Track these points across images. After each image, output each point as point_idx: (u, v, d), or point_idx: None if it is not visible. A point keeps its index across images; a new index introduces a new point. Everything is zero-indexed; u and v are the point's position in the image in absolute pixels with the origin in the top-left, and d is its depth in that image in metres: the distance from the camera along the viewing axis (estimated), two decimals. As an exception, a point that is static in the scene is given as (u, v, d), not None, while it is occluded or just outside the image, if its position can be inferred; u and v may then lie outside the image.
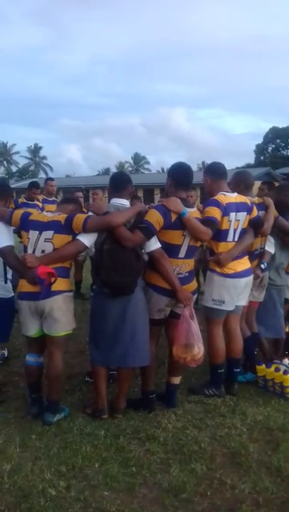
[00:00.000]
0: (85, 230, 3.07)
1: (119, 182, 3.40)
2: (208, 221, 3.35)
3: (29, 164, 70.86)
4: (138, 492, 2.51)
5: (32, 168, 70.15)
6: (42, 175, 66.41)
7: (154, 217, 3.15)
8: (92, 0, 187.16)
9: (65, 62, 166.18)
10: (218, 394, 3.63)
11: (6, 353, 4.41)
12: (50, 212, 3.29)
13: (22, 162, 70.63)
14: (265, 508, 2.40)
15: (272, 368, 3.70)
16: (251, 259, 3.86)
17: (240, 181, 3.92)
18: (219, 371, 3.66)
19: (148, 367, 3.37)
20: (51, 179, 7.94)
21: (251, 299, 3.97)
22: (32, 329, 3.21)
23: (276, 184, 6.05)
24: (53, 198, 7.30)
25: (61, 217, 3.16)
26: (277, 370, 3.67)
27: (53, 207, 6.59)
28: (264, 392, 3.74)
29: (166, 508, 2.40)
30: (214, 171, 3.69)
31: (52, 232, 3.10)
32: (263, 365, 3.77)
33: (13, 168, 69.88)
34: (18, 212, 3.29)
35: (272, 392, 3.71)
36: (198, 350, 3.23)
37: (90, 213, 3.20)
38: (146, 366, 3.36)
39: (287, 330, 4.34)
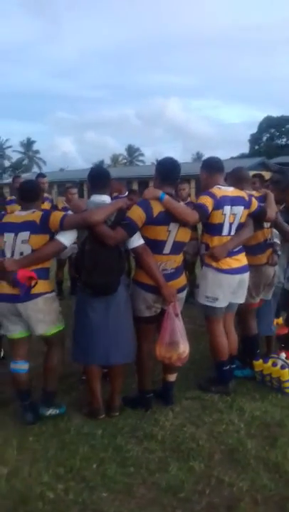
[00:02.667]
0: (62, 228, 3.02)
1: (97, 178, 3.30)
2: (197, 206, 3.34)
3: (22, 159, 70.33)
4: (136, 492, 2.51)
5: (25, 162, 69.67)
6: (35, 169, 66.06)
7: (136, 213, 3.11)
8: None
9: (57, 54, 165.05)
10: (226, 391, 3.60)
11: (2, 353, 4.38)
12: (24, 211, 3.17)
13: (15, 157, 70.16)
14: (264, 505, 2.40)
15: (270, 363, 3.69)
16: (264, 249, 3.85)
17: (234, 176, 3.89)
18: (224, 368, 3.64)
19: (143, 366, 3.37)
20: (42, 175, 7.79)
21: (262, 297, 3.96)
22: (14, 329, 3.17)
23: (267, 176, 5.98)
24: (46, 195, 7.19)
25: (35, 215, 3.08)
26: (274, 364, 3.67)
27: (47, 205, 6.56)
28: (261, 387, 3.74)
29: (165, 508, 2.40)
30: (210, 166, 3.66)
31: (28, 232, 3.03)
32: (260, 360, 3.76)
33: (6, 163, 69.41)
34: None
35: (270, 387, 3.70)
36: (184, 348, 3.20)
37: (69, 211, 3.14)
38: (141, 365, 3.35)
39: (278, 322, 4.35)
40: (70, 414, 3.33)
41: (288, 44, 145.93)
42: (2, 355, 4.37)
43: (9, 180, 45.07)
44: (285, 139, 61.65)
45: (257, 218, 3.67)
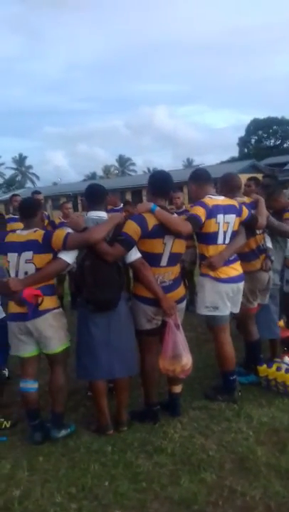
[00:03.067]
0: (65, 248, 3.05)
1: (94, 195, 3.36)
2: (189, 217, 3.37)
3: (16, 175, 70.57)
4: (150, 508, 2.51)
5: (19, 178, 69.85)
6: (29, 184, 66.25)
7: (132, 228, 3.15)
8: (64, 4, 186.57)
9: (42, 69, 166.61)
10: (233, 399, 3.61)
11: (6, 373, 4.37)
12: (25, 230, 3.20)
13: (8, 173, 70.41)
14: (278, 512, 2.40)
15: (274, 368, 3.71)
16: (257, 255, 3.89)
17: (226, 182, 3.95)
18: (231, 378, 3.65)
19: (148, 378, 3.37)
20: (38, 192, 7.85)
21: (259, 302, 3.99)
22: (24, 349, 3.19)
23: (261, 178, 6.03)
24: (44, 212, 7.22)
25: (37, 234, 3.12)
26: (278, 369, 3.68)
27: (45, 221, 6.60)
28: (267, 393, 3.74)
29: (180, 521, 2.40)
30: (198, 177, 3.70)
31: (31, 252, 3.07)
32: (264, 365, 3.78)
33: (0, 180, 69.59)
34: None
35: (276, 392, 3.71)
36: (187, 360, 3.22)
37: (69, 229, 3.17)
38: (146, 378, 3.36)
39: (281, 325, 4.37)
40: (78, 431, 3.33)
41: (270, 46, 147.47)
42: (7, 375, 4.36)
43: (4, 197, 45.19)
44: (273, 140, 62.10)
45: (248, 226, 3.71)
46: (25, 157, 71.87)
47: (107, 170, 70.03)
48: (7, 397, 3.95)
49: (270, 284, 4.01)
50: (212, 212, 3.45)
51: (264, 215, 3.81)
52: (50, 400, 3.32)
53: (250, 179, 5.66)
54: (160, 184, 3.40)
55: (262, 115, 66.73)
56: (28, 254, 3.07)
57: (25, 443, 3.25)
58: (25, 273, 3.08)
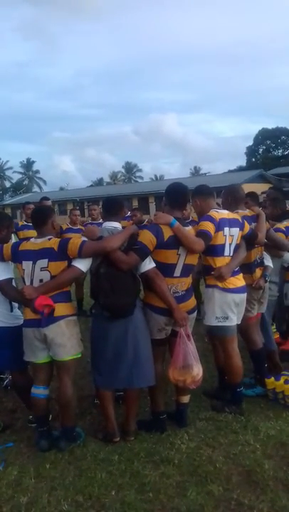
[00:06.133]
0: (81, 256, 3.09)
1: (112, 206, 3.45)
2: (201, 233, 3.40)
3: (23, 179, 70.93)
4: (157, 519, 2.50)
5: (26, 182, 70.20)
6: (36, 189, 66.56)
7: (147, 238, 3.18)
8: (79, 12, 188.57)
9: (52, 75, 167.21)
10: (240, 412, 3.60)
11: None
12: (39, 239, 3.23)
13: (15, 177, 70.79)
14: (285, 527, 2.40)
15: (282, 381, 3.70)
16: (252, 270, 3.92)
17: (230, 194, 4.01)
18: (238, 390, 3.66)
19: (155, 387, 3.38)
20: (46, 198, 7.88)
21: (257, 311, 4.00)
22: (37, 356, 3.20)
23: (260, 193, 6.05)
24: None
25: (53, 242, 3.15)
26: (286, 382, 3.67)
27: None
28: (274, 405, 3.74)
29: (186, 533, 2.39)
30: (202, 192, 3.76)
31: (46, 260, 3.10)
32: (272, 378, 3.77)
33: (7, 184, 69.91)
34: (8, 246, 3.30)
35: (283, 405, 3.70)
36: (198, 371, 3.23)
37: (84, 238, 3.20)
38: (153, 387, 3.36)
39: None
40: (85, 439, 3.33)
41: (279, 56, 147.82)
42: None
43: (11, 200, 45.45)
44: (281, 150, 62.14)
45: (248, 241, 3.76)
46: (33, 162, 72.34)
47: (113, 176, 70.30)
48: (13, 403, 3.97)
49: (266, 293, 4.05)
50: (219, 225, 3.51)
51: (264, 231, 3.90)
52: (58, 409, 3.32)
53: (247, 195, 5.67)
54: (178, 196, 3.44)
55: (270, 125, 66.83)
56: (43, 262, 3.09)
57: (32, 449, 3.25)
58: (41, 280, 3.11)
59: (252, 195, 5.37)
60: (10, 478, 2.93)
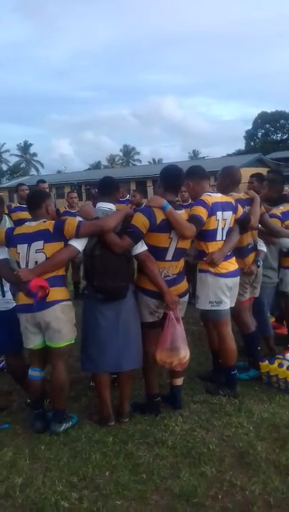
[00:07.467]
0: (78, 235, 3.07)
1: (107, 186, 3.39)
2: (192, 218, 3.36)
3: (20, 162, 70.34)
4: (150, 499, 2.53)
5: (23, 165, 69.64)
6: (33, 172, 66.06)
7: (140, 221, 3.16)
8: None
9: (50, 56, 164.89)
10: (234, 395, 3.63)
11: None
12: (34, 221, 3.21)
13: (13, 160, 70.18)
14: (277, 508, 2.42)
15: (276, 364, 3.72)
16: (244, 254, 3.89)
17: (226, 176, 3.95)
18: (232, 372, 3.68)
19: (150, 370, 3.40)
20: (43, 181, 7.76)
21: (250, 295, 4.00)
22: (32, 341, 3.19)
23: (266, 173, 6.00)
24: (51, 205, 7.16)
25: (48, 224, 3.12)
26: (280, 365, 3.70)
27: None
28: (268, 389, 3.76)
29: (179, 514, 2.42)
30: (194, 174, 3.66)
31: (42, 241, 3.07)
32: (266, 361, 3.79)
33: (4, 167, 69.36)
34: (2, 231, 3.26)
35: (277, 388, 3.73)
36: (185, 353, 3.24)
37: (79, 218, 3.18)
38: (148, 369, 3.38)
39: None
40: (80, 421, 3.35)
41: (280, 39, 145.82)
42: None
43: (8, 184, 45.09)
44: (280, 134, 61.73)
45: (241, 224, 3.73)
46: (31, 144, 71.65)
47: (111, 159, 69.81)
48: (9, 385, 3.99)
49: (259, 278, 4.03)
50: (212, 210, 3.46)
51: (257, 215, 3.85)
52: (50, 392, 3.32)
53: (253, 175, 5.59)
54: (172, 179, 3.38)
55: (270, 109, 66.13)
56: (38, 244, 3.07)
57: (27, 431, 3.28)
58: (36, 263, 3.08)
59: (258, 176, 5.34)
60: (5, 459, 2.96)
